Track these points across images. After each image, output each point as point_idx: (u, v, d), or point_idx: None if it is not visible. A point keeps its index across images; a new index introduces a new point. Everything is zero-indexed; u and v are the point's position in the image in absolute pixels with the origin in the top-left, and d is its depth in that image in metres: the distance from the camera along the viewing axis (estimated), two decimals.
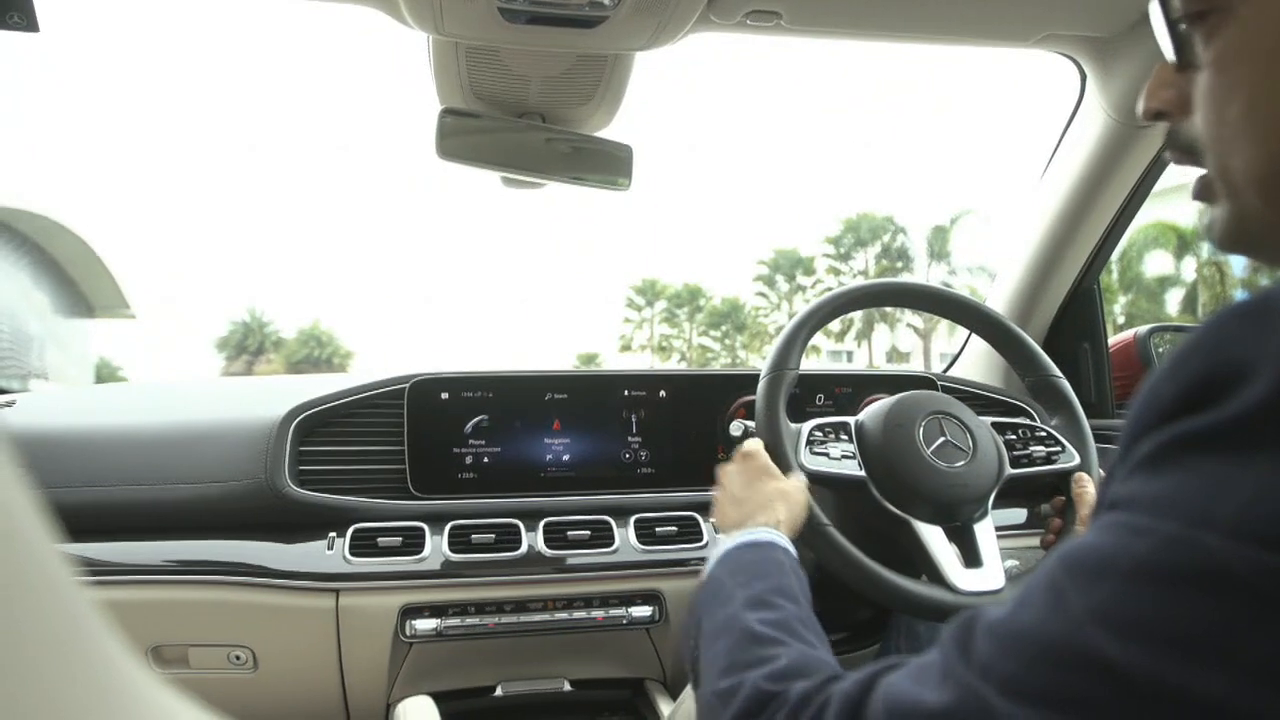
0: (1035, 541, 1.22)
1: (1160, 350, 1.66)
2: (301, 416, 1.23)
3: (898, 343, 34.15)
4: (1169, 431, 0.37)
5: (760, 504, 0.90)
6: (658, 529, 1.26)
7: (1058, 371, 1.19)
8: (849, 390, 1.44)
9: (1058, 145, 1.47)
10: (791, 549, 0.81)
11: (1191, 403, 0.36)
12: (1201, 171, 0.49)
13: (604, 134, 1.26)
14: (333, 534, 1.18)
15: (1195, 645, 0.33)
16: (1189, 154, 0.48)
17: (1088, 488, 1.06)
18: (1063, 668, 0.36)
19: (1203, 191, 0.49)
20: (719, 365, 18.23)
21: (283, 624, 1.14)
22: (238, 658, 1.15)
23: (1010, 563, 1.10)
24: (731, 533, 0.84)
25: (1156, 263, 24.47)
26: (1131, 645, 0.34)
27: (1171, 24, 0.47)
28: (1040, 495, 1.20)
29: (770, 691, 0.53)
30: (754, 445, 1.01)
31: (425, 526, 1.20)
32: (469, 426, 1.29)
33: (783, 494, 0.93)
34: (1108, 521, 0.38)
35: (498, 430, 1.30)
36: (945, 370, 1.72)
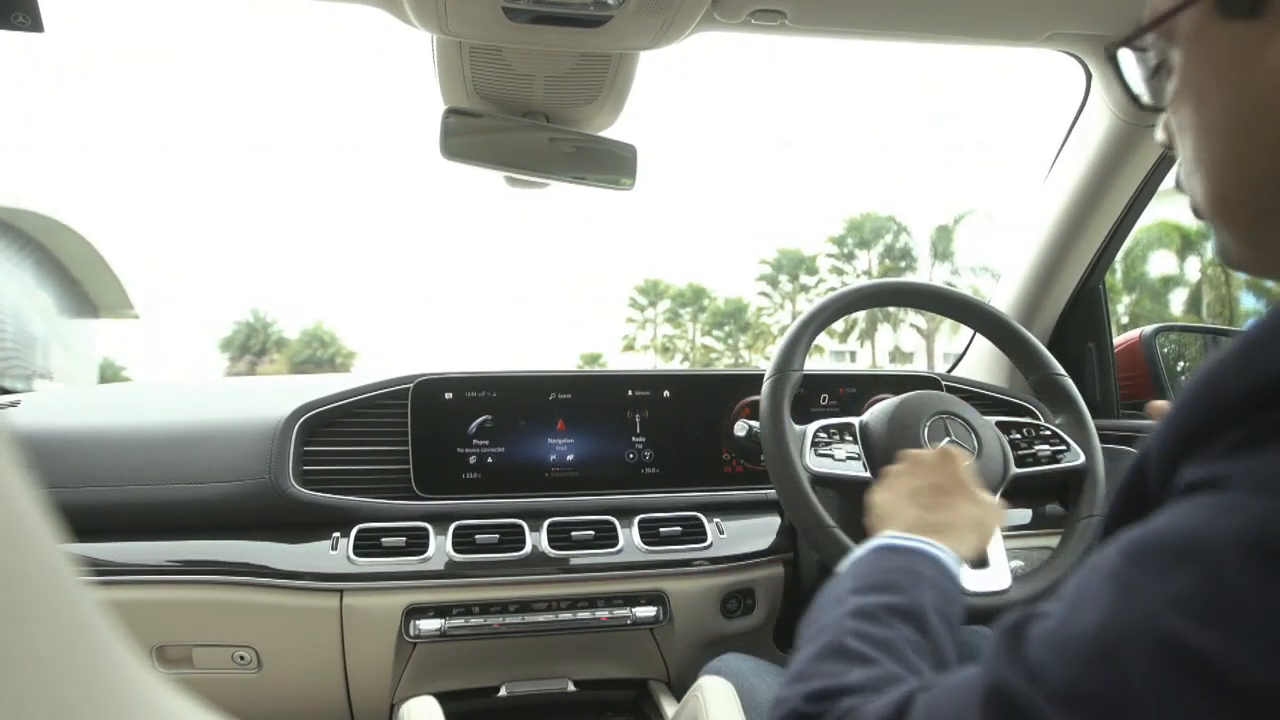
0: (1041, 541, 1.22)
1: (1165, 350, 1.66)
2: (305, 416, 1.23)
3: (901, 343, 34.14)
4: (1259, 421, 0.34)
5: (944, 524, 0.76)
6: (662, 529, 1.26)
7: (1062, 370, 1.19)
8: (853, 390, 1.44)
9: (1063, 144, 1.47)
10: (950, 564, 0.67)
11: (1270, 398, 0.34)
12: None
13: (608, 133, 1.26)
14: (337, 534, 1.18)
15: None
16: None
17: None
18: (1133, 667, 0.32)
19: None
20: (722, 365, 18.23)
21: (287, 624, 1.14)
22: (242, 658, 1.15)
23: (1016, 563, 1.09)
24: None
25: (1161, 262, 24.44)
26: (1225, 634, 0.30)
27: (1143, 75, 0.52)
28: (1046, 494, 1.20)
29: (806, 713, 0.49)
30: (957, 451, 0.87)
31: (429, 527, 1.20)
32: (473, 426, 1.29)
33: (976, 523, 0.79)
34: (1185, 505, 0.35)
35: (501, 430, 1.30)
36: (949, 370, 1.72)
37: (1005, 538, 1.05)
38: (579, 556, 1.21)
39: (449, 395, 1.29)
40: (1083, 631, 0.35)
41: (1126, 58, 0.52)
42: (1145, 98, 0.52)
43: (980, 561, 1.02)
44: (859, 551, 0.70)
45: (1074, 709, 0.33)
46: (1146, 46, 0.50)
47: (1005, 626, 0.39)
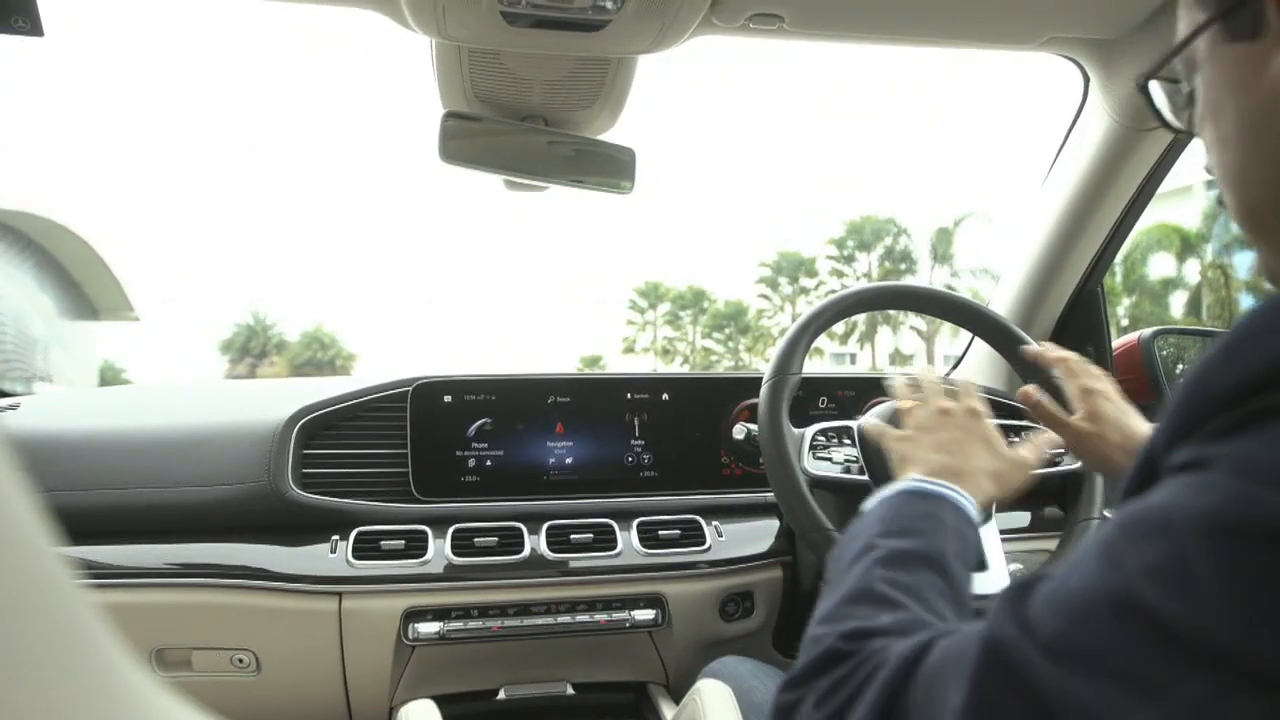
0: (1039, 545, 1.22)
1: (1165, 353, 1.66)
2: (305, 419, 1.23)
3: (901, 345, 34.14)
4: (1239, 410, 0.36)
5: (964, 470, 0.77)
6: (660, 532, 1.26)
7: (1060, 373, 1.19)
8: (852, 394, 1.44)
9: (1061, 148, 1.47)
10: (971, 510, 0.71)
11: (1255, 388, 0.36)
12: None
13: (607, 137, 1.26)
14: (335, 537, 1.18)
15: (1253, 606, 0.32)
16: None
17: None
18: (1109, 627, 0.35)
19: None
20: (722, 368, 18.22)
21: (286, 627, 1.14)
22: (241, 661, 1.15)
23: (1014, 566, 1.10)
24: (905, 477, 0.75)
25: (1160, 265, 24.45)
26: (1186, 602, 0.33)
27: (1177, 105, 0.55)
28: (1044, 498, 1.20)
29: (842, 651, 0.52)
30: (981, 405, 0.87)
31: (428, 530, 1.20)
32: (472, 429, 1.29)
33: (995, 474, 0.80)
34: (1173, 481, 0.38)
35: (500, 433, 1.30)
36: (948, 373, 1.72)
37: (1004, 541, 1.06)
38: (578, 559, 1.21)
39: (448, 398, 1.29)
40: (1073, 591, 0.38)
41: (1155, 89, 0.57)
42: (1176, 123, 0.56)
43: (979, 564, 1.02)
44: (886, 492, 0.72)
45: (1059, 660, 0.37)
46: (1177, 77, 0.53)
47: (1013, 585, 0.43)
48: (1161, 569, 0.35)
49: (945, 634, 0.47)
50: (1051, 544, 1.12)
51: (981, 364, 1.69)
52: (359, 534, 1.18)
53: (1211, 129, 0.49)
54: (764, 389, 1.11)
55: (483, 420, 1.30)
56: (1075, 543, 1.07)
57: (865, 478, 1.06)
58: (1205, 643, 0.32)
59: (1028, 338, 1.22)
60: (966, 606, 0.60)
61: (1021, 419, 1.29)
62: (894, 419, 0.92)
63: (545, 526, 1.22)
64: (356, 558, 1.16)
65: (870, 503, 0.72)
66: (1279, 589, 0.32)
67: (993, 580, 1.00)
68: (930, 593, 0.58)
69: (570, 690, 1.26)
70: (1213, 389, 0.38)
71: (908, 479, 0.74)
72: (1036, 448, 0.88)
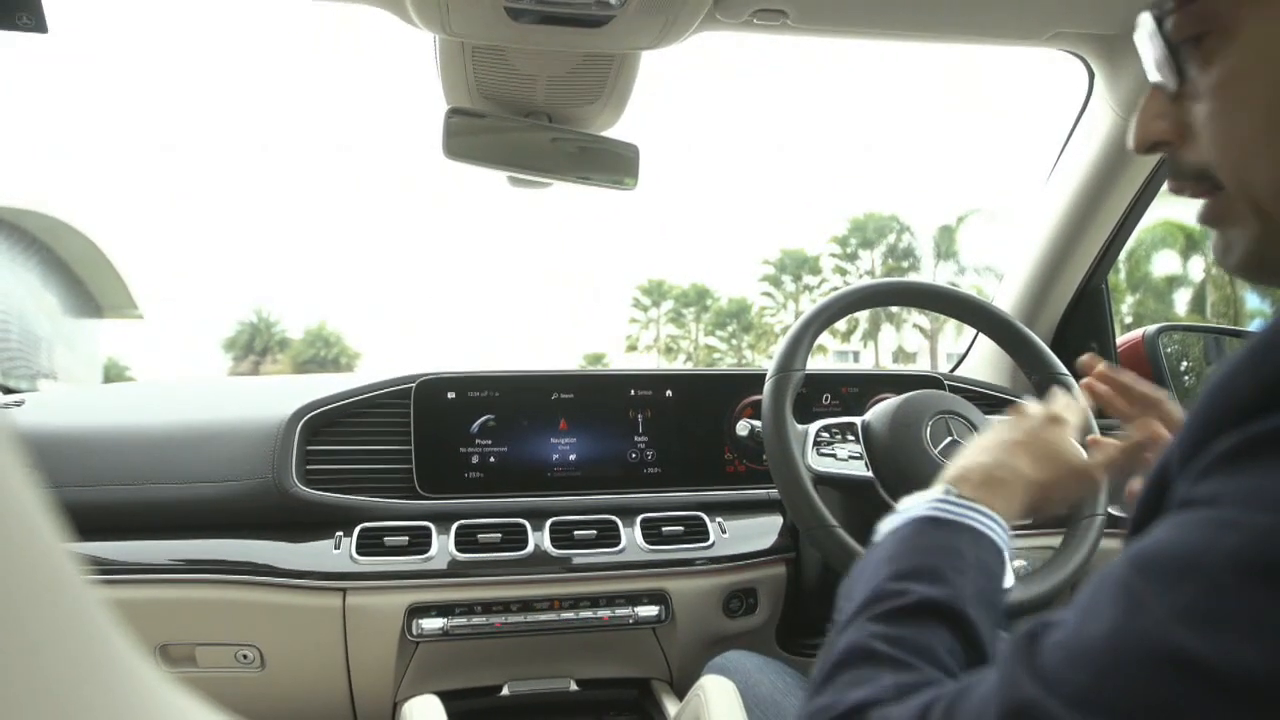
0: (1043, 541, 1.22)
1: (1169, 350, 1.65)
2: (308, 416, 1.23)
3: (904, 343, 34.12)
4: (1254, 428, 0.35)
5: (997, 479, 0.68)
6: (664, 529, 1.26)
7: (1064, 370, 1.19)
8: (856, 390, 1.44)
9: (1065, 144, 1.47)
10: (995, 534, 0.62)
11: (1276, 398, 0.35)
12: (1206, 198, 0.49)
13: (610, 133, 1.26)
14: (339, 533, 1.18)
15: None
16: (1199, 180, 0.48)
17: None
18: (1142, 675, 0.35)
19: (1213, 215, 0.49)
20: (725, 365, 18.23)
21: (290, 623, 1.14)
22: (245, 657, 1.15)
23: (1019, 563, 1.09)
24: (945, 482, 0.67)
25: (1164, 262, 24.41)
26: (1224, 642, 0.33)
27: (1168, 50, 0.47)
28: None
29: None
30: (1067, 409, 0.79)
31: (432, 526, 1.20)
32: (475, 426, 1.29)
33: (1043, 486, 0.72)
34: (1184, 519, 0.37)
35: (504, 430, 1.30)
36: (952, 370, 1.72)
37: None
38: (581, 556, 1.21)
39: (451, 395, 1.29)
40: (1095, 640, 0.37)
41: (1142, 34, 0.49)
42: (1165, 79, 0.49)
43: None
44: (900, 518, 0.64)
45: (1090, 714, 0.35)
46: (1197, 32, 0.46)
47: (1019, 636, 0.41)
48: (1196, 611, 0.34)
49: (943, 695, 0.44)
50: (1055, 540, 1.12)
51: (985, 361, 1.69)
52: (363, 530, 1.18)
53: (1266, 83, 0.43)
54: (768, 385, 1.11)
55: (486, 417, 1.30)
56: (1079, 540, 1.06)
57: (869, 474, 1.06)
58: (1247, 682, 0.32)
59: (1031, 334, 1.21)
60: (985, 655, 0.53)
61: None
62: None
63: (549, 523, 1.22)
64: (360, 554, 1.16)
65: (884, 528, 0.64)
66: None
67: None
68: (939, 649, 0.52)
69: (574, 686, 1.26)
70: (1235, 399, 0.37)
71: (930, 497, 0.65)
72: (1108, 456, 0.80)
